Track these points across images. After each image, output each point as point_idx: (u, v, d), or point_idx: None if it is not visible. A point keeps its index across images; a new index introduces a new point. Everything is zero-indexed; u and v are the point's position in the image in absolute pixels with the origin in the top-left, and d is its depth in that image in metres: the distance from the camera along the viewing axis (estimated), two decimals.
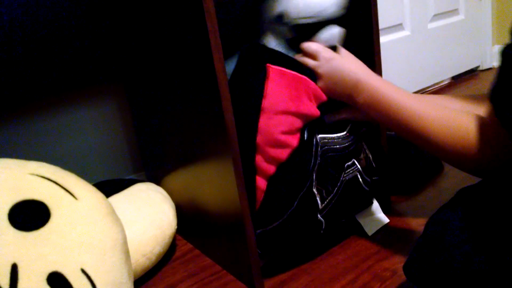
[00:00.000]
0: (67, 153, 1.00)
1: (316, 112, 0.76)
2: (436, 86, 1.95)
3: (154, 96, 0.91)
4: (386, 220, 0.90)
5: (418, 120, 0.68)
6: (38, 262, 0.57)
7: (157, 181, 1.01)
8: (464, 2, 1.94)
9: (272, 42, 0.84)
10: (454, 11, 1.92)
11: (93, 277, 0.60)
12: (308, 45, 0.80)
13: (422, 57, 1.80)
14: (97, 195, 0.71)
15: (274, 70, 0.75)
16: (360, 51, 0.86)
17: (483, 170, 0.63)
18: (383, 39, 1.61)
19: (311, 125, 0.77)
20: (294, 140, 0.75)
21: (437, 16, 1.84)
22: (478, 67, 2.12)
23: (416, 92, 1.78)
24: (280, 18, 0.80)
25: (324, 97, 0.78)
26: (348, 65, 0.78)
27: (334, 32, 0.81)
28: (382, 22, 1.58)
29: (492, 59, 2.10)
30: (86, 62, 0.99)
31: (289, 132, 0.74)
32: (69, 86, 0.98)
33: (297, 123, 0.75)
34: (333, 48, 0.81)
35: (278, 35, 0.83)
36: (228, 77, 0.79)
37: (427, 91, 1.90)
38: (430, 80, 1.88)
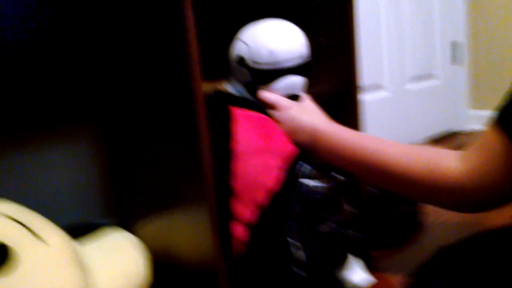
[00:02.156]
0: (35, 193, 0.96)
1: (289, 147, 0.76)
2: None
3: (129, 138, 0.89)
4: (370, 278, 0.87)
5: (381, 157, 0.66)
6: None
7: (129, 227, 0.97)
8: (439, 67, 2.02)
9: (235, 84, 0.85)
10: (430, 75, 1.99)
11: None
12: (266, 95, 0.81)
13: (400, 118, 1.84)
14: (65, 240, 0.67)
15: (240, 113, 0.76)
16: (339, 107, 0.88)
17: (459, 201, 0.59)
18: (364, 97, 1.65)
19: (292, 167, 0.76)
20: (271, 181, 0.74)
21: (415, 78, 1.90)
22: (452, 130, 2.17)
23: None
24: (241, 60, 0.81)
25: None
26: (305, 114, 0.78)
27: (294, 80, 0.82)
28: (363, 81, 1.62)
29: (467, 122, 2.16)
30: (59, 99, 0.97)
31: (266, 173, 0.74)
32: (40, 123, 0.95)
33: (273, 161, 0.74)
34: (296, 98, 0.82)
35: (240, 77, 0.83)
36: None
37: None
38: (406, 140, 1.92)
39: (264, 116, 0.78)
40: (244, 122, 0.76)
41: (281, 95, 0.81)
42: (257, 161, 0.74)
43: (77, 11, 0.96)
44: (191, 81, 0.66)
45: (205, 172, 0.68)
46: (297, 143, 0.78)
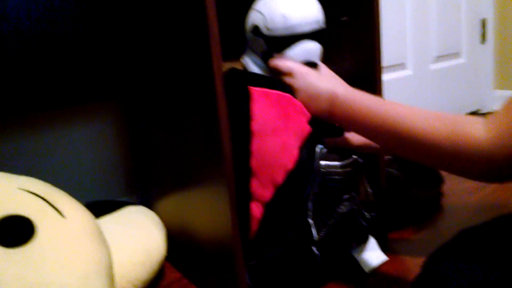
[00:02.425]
0: (59, 170, 0.98)
1: (307, 128, 0.76)
2: None
3: (151, 117, 0.89)
4: (384, 257, 0.87)
5: (403, 121, 0.62)
6: (16, 283, 0.54)
7: (150, 205, 0.98)
8: (466, 45, 1.97)
9: (252, 56, 0.84)
10: (455, 54, 1.94)
11: None
12: (282, 63, 0.79)
13: (422, 98, 1.81)
14: (85, 215, 0.68)
15: (257, 91, 0.76)
16: (362, 84, 0.86)
17: (490, 168, 0.55)
18: (385, 76, 1.62)
19: (309, 146, 0.76)
20: (289, 160, 0.74)
21: (440, 58, 1.85)
22: (478, 110, 2.12)
23: None
24: (256, 29, 0.81)
25: (309, 113, 0.78)
26: (323, 80, 0.76)
27: (310, 47, 0.80)
28: (385, 60, 1.59)
29: (492, 103, 2.11)
30: (84, 79, 0.98)
31: (284, 152, 0.73)
32: (65, 102, 0.97)
33: (291, 141, 0.74)
34: (313, 65, 0.81)
35: (256, 48, 0.83)
36: None
37: None
38: None
39: (282, 94, 0.77)
40: (262, 100, 0.76)
41: (297, 62, 0.80)
42: (275, 140, 0.74)
43: None
44: (211, 60, 0.66)
45: (224, 151, 0.68)
46: (315, 111, 0.76)
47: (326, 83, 0.75)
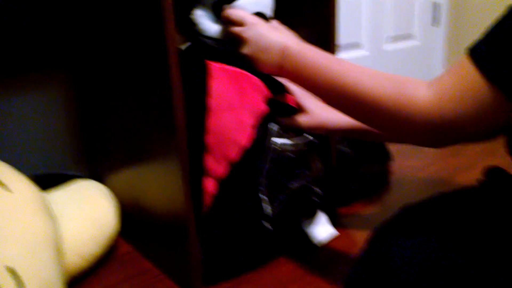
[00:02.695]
0: (4, 142, 0.94)
1: (263, 106, 0.76)
2: None
3: (102, 87, 0.87)
4: (334, 232, 0.91)
5: (351, 79, 0.61)
6: None
7: (100, 179, 0.96)
8: (418, 27, 2.02)
9: (203, 10, 0.82)
10: (409, 35, 1.99)
11: (20, 274, 0.56)
12: (233, 11, 0.78)
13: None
14: (32, 189, 0.67)
15: (215, 67, 0.75)
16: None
17: (433, 131, 0.54)
18: (341, 55, 1.64)
19: (263, 125, 0.76)
20: (244, 138, 0.74)
21: (393, 38, 1.89)
22: None
23: None
24: None
25: (267, 92, 0.78)
26: (276, 32, 0.74)
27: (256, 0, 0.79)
28: (342, 39, 1.61)
29: None
30: (30, 45, 0.93)
31: (239, 129, 0.74)
32: (10, 71, 0.92)
33: (246, 118, 0.74)
34: (264, 18, 0.79)
35: (206, 0, 0.80)
36: None
37: None
38: None
39: (240, 71, 0.77)
40: (220, 76, 0.75)
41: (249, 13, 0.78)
42: (231, 117, 0.74)
43: None
44: (165, 31, 0.64)
45: (178, 125, 0.68)
46: (265, 64, 0.73)
47: (278, 35, 0.73)
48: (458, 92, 0.51)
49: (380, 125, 0.61)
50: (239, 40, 0.76)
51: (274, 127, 0.79)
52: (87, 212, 0.80)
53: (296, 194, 0.80)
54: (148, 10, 0.67)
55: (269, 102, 0.78)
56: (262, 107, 0.76)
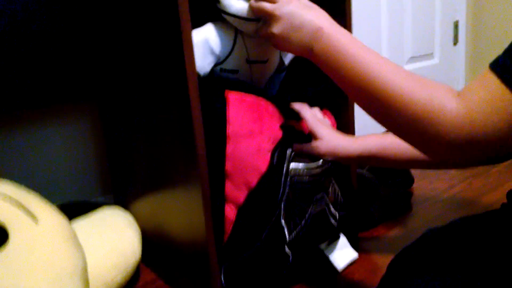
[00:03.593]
0: (34, 171, 0.97)
1: (279, 131, 0.77)
2: None
3: (126, 117, 0.90)
4: (355, 255, 0.90)
5: (382, 75, 0.57)
6: None
7: (125, 205, 0.99)
8: (439, 47, 2.01)
9: None
10: (429, 55, 1.98)
11: None
12: None
13: None
14: (59, 218, 0.69)
15: (233, 96, 0.77)
16: None
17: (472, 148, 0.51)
18: None
19: (281, 150, 0.77)
20: (263, 163, 0.75)
21: (414, 58, 1.89)
22: None
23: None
24: None
25: (282, 119, 0.78)
26: (309, 10, 0.69)
27: None
28: None
29: None
30: (59, 79, 0.97)
31: (258, 155, 0.75)
32: (38, 102, 0.96)
33: (264, 144, 0.76)
34: None
35: None
36: None
37: None
38: None
39: (257, 98, 0.79)
40: (238, 105, 0.77)
41: None
42: (250, 144, 0.75)
43: None
44: (185, 63, 0.67)
45: (199, 153, 0.69)
46: (296, 44, 0.69)
47: (314, 14, 0.68)
48: (486, 104, 0.49)
49: (403, 130, 0.56)
50: (268, 18, 0.71)
51: (291, 152, 0.79)
52: (111, 241, 0.81)
53: (316, 219, 0.80)
54: (170, 47, 0.69)
55: (284, 128, 0.79)
56: (279, 133, 0.78)
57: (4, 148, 0.93)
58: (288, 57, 0.92)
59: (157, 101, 0.77)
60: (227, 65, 0.82)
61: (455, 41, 2.07)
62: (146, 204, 0.91)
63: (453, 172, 1.37)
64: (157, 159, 0.82)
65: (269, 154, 0.76)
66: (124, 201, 1.00)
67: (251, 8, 0.74)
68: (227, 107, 0.76)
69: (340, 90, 0.65)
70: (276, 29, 0.70)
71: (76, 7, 0.97)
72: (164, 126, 0.77)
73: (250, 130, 0.76)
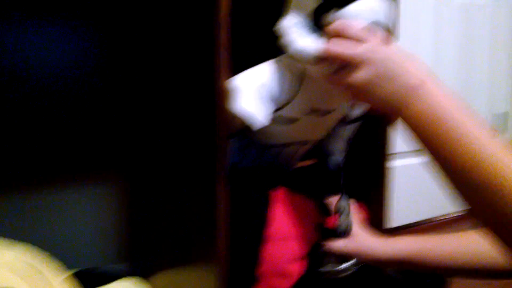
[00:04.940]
0: (51, 237, 0.97)
1: (314, 234, 0.73)
2: (446, 218, 1.91)
3: (150, 189, 0.90)
4: None
5: (496, 163, 0.45)
6: None
7: (142, 276, 0.96)
8: None
9: (291, 20, 0.62)
10: None
11: None
12: (347, 24, 0.56)
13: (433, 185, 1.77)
14: None
15: (278, 195, 0.73)
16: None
17: None
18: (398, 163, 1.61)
19: (313, 254, 0.73)
20: (297, 269, 0.71)
21: None
22: None
23: (424, 221, 1.74)
24: None
25: (317, 218, 0.74)
26: (409, 59, 0.55)
27: (377, 3, 0.58)
28: (398, 147, 1.59)
29: None
30: (80, 146, 0.98)
31: (292, 260, 0.71)
32: (60, 168, 0.96)
33: (301, 249, 0.71)
34: (383, 30, 0.59)
35: (302, 4, 0.61)
36: None
37: (435, 221, 1.86)
38: (440, 210, 1.84)
39: (302, 198, 0.74)
40: (282, 204, 0.72)
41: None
42: (284, 248, 0.71)
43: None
44: (216, 142, 0.65)
45: (219, 233, 0.67)
46: (383, 96, 0.54)
47: (412, 64, 0.54)
48: None
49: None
50: (352, 62, 0.55)
51: (323, 254, 0.75)
52: None
53: None
54: (199, 122, 0.69)
55: (319, 229, 0.76)
56: (313, 236, 0.74)
57: (24, 212, 0.93)
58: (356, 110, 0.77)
59: (181, 178, 0.76)
60: (286, 112, 0.67)
61: (501, 131, 2.02)
62: (163, 276, 0.88)
63: None
64: (177, 233, 0.80)
65: (302, 260, 0.72)
66: (141, 271, 0.98)
67: (327, 52, 0.57)
68: (270, 207, 0.71)
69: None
70: (361, 77, 0.55)
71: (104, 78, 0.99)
72: (187, 201, 0.75)
73: (287, 232, 0.71)
